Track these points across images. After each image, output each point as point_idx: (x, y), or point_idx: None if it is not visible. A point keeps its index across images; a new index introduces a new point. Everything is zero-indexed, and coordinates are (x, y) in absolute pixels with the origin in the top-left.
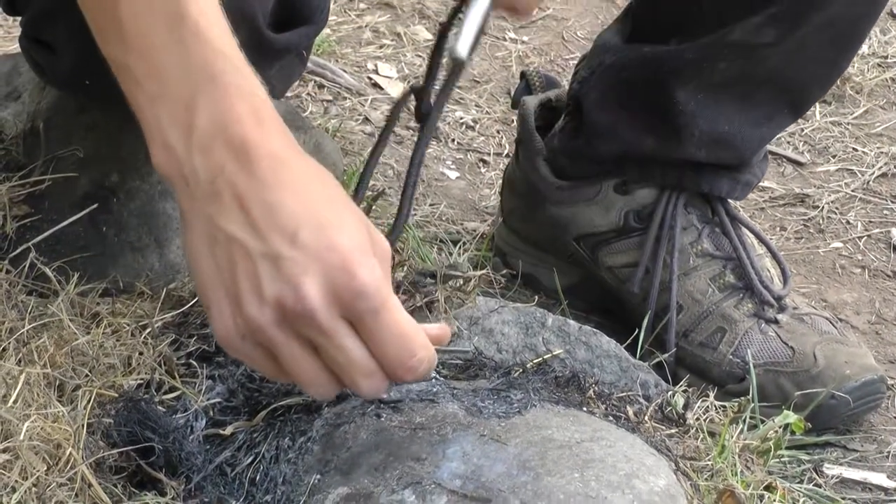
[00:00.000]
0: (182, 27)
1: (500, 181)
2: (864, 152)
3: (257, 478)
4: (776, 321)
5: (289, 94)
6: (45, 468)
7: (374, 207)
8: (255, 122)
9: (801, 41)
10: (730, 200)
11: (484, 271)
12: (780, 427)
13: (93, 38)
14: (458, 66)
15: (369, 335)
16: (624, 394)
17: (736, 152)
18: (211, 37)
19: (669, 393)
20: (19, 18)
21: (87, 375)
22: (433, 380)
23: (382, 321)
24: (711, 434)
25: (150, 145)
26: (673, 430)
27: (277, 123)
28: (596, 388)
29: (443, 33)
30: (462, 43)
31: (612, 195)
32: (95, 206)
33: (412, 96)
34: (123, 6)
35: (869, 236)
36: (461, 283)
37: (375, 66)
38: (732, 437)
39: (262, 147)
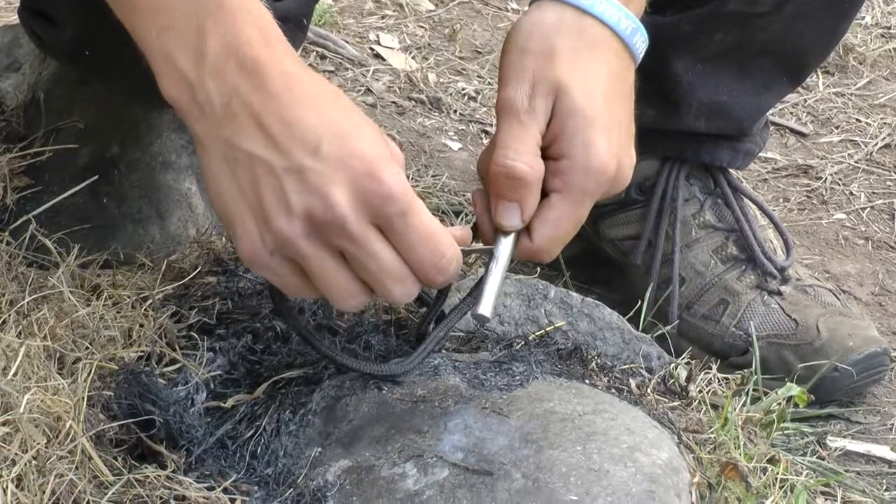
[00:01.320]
0: None
1: None
2: (867, 123)
3: (258, 450)
4: (779, 293)
5: None
6: (45, 441)
7: None
8: (264, 43)
9: (798, 9)
10: (732, 171)
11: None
12: (783, 399)
13: (94, 10)
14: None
15: (399, 239)
16: (626, 366)
17: (735, 122)
18: None
19: (672, 365)
20: None
21: (87, 348)
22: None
23: (411, 223)
24: (714, 407)
25: (161, 78)
26: (675, 403)
27: (285, 44)
28: (598, 361)
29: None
30: (485, 304)
31: None
32: (96, 177)
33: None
34: None
35: (872, 207)
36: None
37: (377, 36)
38: (735, 409)
39: (273, 66)
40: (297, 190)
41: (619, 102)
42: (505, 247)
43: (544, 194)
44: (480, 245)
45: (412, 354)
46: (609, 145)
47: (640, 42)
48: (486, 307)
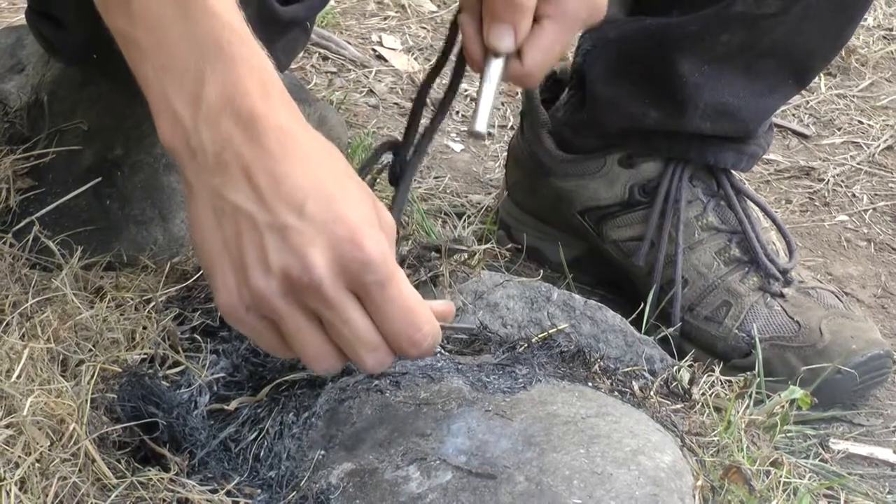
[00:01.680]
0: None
1: (505, 154)
2: (869, 125)
3: (261, 453)
4: (782, 295)
5: (293, 66)
6: (49, 443)
7: (377, 180)
8: (262, 95)
9: (804, 12)
10: (735, 173)
11: (488, 245)
12: (786, 402)
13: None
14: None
15: (375, 308)
16: (629, 368)
17: (740, 124)
18: (218, 10)
19: (675, 368)
20: None
21: (90, 350)
22: (437, 355)
23: (388, 294)
24: (717, 409)
25: (157, 118)
26: (678, 406)
27: (284, 97)
28: (601, 363)
29: (422, 93)
30: (480, 121)
31: (616, 168)
32: (99, 179)
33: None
34: None
35: (874, 209)
36: (466, 257)
37: (380, 37)
38: (738, 412)
39: (269, 120)
40: (278, 248)
41: None
42: (496, 68)
43: (535, 19)
44: (461, 324)
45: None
46: None
47: None
48: (481, 124)
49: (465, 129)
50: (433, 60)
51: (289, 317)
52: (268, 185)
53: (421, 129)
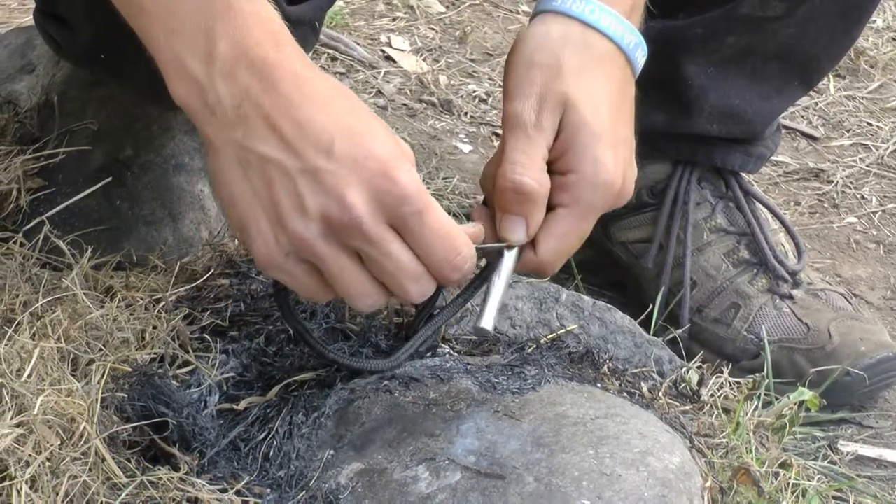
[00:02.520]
0: None
1: None
2: (878, 127)
3: (271, 453)
4: (790, 297)
5: None
6: (59, 442)
7: None
8: (274, 45)
9: (810, 14)
10: (744, 175)
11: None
12: (794, 404)
13: (109, 14)
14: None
15: (415, 238)
16: (638, 370)
17: (747, 125)
18: None
19: (683, 369)
20: None
21: (100, 350)
22: (446, 355)
23: (427, 222)
24: (726, 411)
25: (170, 80)
26: (687, 407)
27: (295, 45)
28: (610, 365)
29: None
30: (487, 318)
31: None
32: (109, 179)
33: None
34: None
35: (883, 211)
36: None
37: (388, 38)
38: (747, 413)
39: (284, 67)
40: (313, 191)
41: (623, 117)
42: (508, 260)
43: (550, 208)
44: (490, 245)
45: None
46: (616, 160)
47: (641, 56)
48: (487, 321)
49: (474, 323)
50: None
51: (330, 258)
52: (292, 130)
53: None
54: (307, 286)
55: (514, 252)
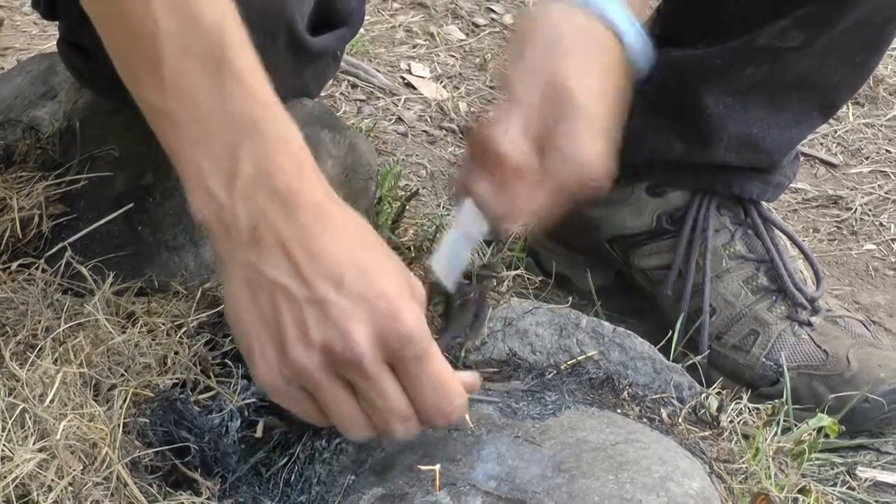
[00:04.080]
0: (223, 73)
1: None
2: None
3: (292, 478)
4: (809, 324)
5: (322, 93)
6: (82, 467)
7: (407, 207)
8: (297, 172)
9: (829, 44)
10: (762, 202)
11: (518, 271)
12: (813, 430)
13: None
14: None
15: (410, 380)
16: (658, 396)
17: (766, 155)
18: (252, 83)
19: (703, 395)
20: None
21: (122, 375)
22: None
23: (425, 368)
24: (745, 437)
25: (190, 192)
26: (707, 433)
27: (316, 172)
28: (630, 390)
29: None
30: (436, 258)
31: (644, 197)
32: (131, 205)
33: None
34: (166, 51)
35: None
36: (495, 283)
37: (409, 65)
38: (766, 439)
39: (304, 195)
40: (318, 322)
41: (612, 107)
42: (467, 209)
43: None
44: (489, 396)
45: None
46: (595, 145)
47: (642, 54)
48: (438, 261)
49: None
50: None
51: (327, 388)
52: (305, 259)
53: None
54: (305, 410)
55: (473, 204)
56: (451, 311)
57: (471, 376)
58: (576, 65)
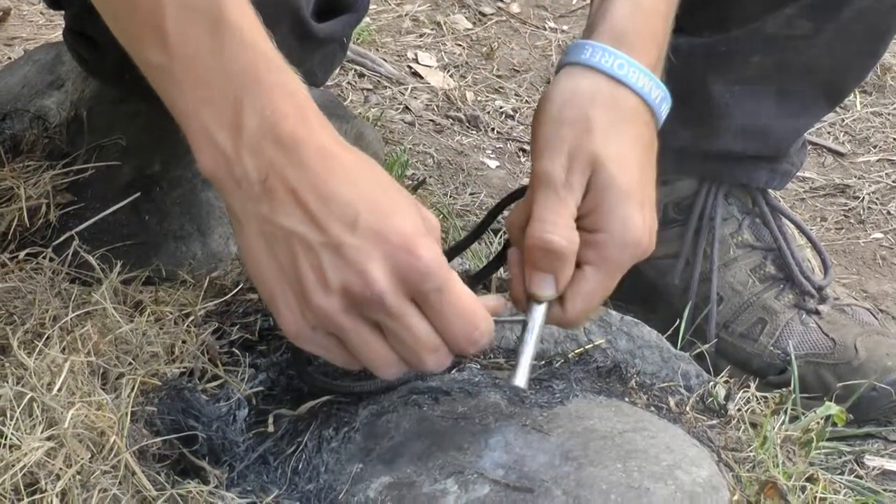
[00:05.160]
0: (224, 32)
1: None
2: None
3: (300, 466)
4: (817, 312)
5: (329, 82)
6: (89, 456)
7: (414, 196)
8: (301, 119)
9: (835, 32)
10: (770, 190)
11: None
12: (821, 418)
13: None
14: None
15: (435, 313)
16: (665, 384)
17: (773, 143)
18: (252, 39)
19: (711, 384)
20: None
21: (130, 363)
22: (475, 370)
23: (447, 298)
24: (753, 425)
25: (197, 149)
26: (714, 421)
27: (321, 118)
28: (637, 379)
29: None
30: (521, 376)
31: None
32: (138, 194)
33: None
34: (168, 13)
35: None
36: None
37: (415, 55)
38: (774, 428)
39: (310, 142)
40: (335, 266)
41: (649, 175)
42: (537, 315)
43: (577, 264)
44: (513, 315)
45: None
46: (644, 219)
47: (665, 109)
48: (521, 379)
49: (507, 380)
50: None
51: (353, 331)
52: (317, 205)
53: None
54: (335, 355)
55: (544, 307)
56: None
57: (495, 299)
58: (610, 141)
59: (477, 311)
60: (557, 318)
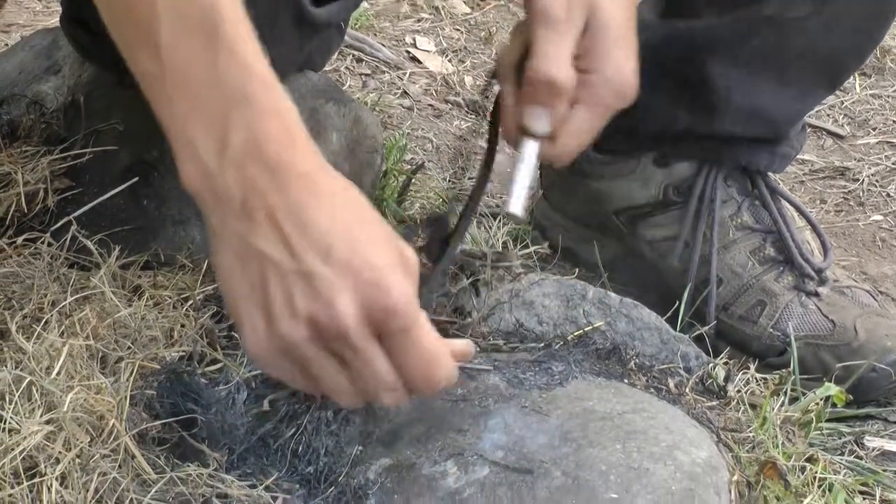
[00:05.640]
0: (218, 46)
1: None
2: None
3: (299, 449)
4: (816, 294)
5: (327, 67)
6: (89, 440)
7: (413, 180)
8: (288, 142)
9: (835, 14)
10: (769, 173)
11: (529, 250)
12: (821, 399)
13: None
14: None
15: (397, 351)
16: (665, 366)
17: (772, 126)
18: (245, 54)
19: (710, 365)
20: None
21: (129, 347)
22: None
23: (411, 340)
24: (752, 406)
25: (181, 161)
26: (714, 403)
27: (308, 143)
28: (637, 361)
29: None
30: (515, 203)
31: (650, 169)
32: (136, 179)
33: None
34: (163, 23)
35: None
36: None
37: (414, 39)
38: (773, 409)
39: (295, 166)
40: (305, 295)
41: (633, 21)
42: (531, 149)
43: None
44: (476, 364)
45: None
46: (632, 64)
47: None
48: (517, 206)
49: (503, 207)
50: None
51: (315, 360)
52: (294, 231)
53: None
54: (294, 381)
55: (536, 145)
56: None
57: (463, 344)
58: None
59: (439, 357)
60: (548, 153)
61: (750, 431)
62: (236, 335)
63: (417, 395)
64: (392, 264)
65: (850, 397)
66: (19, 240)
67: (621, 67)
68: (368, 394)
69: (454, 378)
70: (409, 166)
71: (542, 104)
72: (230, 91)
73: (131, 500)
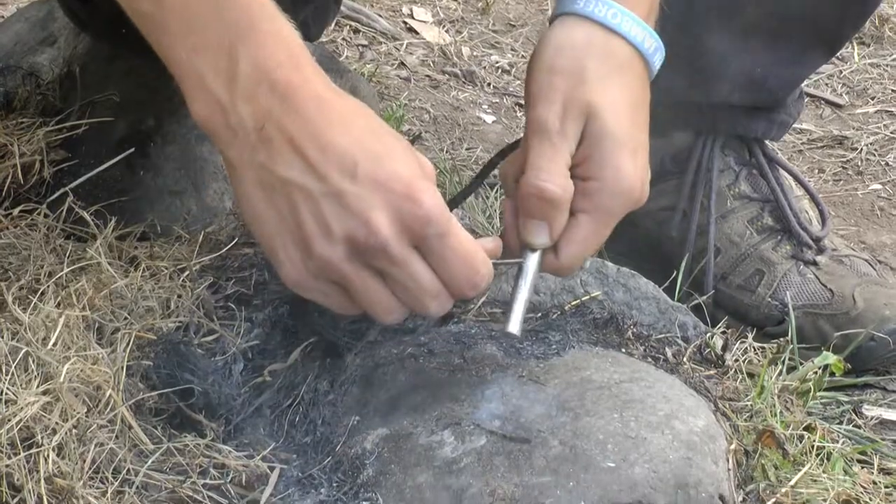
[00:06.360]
0: None
1: None
2: None
3: (297, 419)
4: (815, 263)
5: (324, 38)
6: (86, 410)
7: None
8: (295, 66)
9: None
10: (767, 142)
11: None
12: (819, 368)
13: None
14: None
15: (436, 258)
16: (662, 335)
17: (769, 93)
18: None
19: (708, 335)
20: None
21: (126, 318)
22: (470, 322)
23: (448, 244)
24: (750, 375)
25: (191, 99)
26: (712, 372)
27: (315, 66)
28: (634, 330)
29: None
30: (514, 322)
31: None
32: (132, 150)
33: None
34: None
35: None
36: None
37: (411, 10)
38: (771, 378)
39: (305, 89)
40: (337, 214)
41: (642, 124)
42: (532, 263)
43: (571, 212)
44: (509, 259)
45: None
46: (636, 168)
47: (659, 59)
48: (514, 326)
49: (501, 327)
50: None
51: (356, 278)
52: (315, 153)
53: None
54: (337, 303)
55: (538, 255)
56: None
57: (492, 241)
58: (604, 90)
59: (478, 255)
60: (551, 265)
61: (748, 400)
62: (233, 306)
63: (460, 297)
64: (417, 174)
65: (849, 366)
66: (15, 211)
67: (622, 173)
68: (414, 305)
69: (492, 276)
70: (406, 136)
71: (539, 217)
72: (233, 22)
73: (128, 470)
